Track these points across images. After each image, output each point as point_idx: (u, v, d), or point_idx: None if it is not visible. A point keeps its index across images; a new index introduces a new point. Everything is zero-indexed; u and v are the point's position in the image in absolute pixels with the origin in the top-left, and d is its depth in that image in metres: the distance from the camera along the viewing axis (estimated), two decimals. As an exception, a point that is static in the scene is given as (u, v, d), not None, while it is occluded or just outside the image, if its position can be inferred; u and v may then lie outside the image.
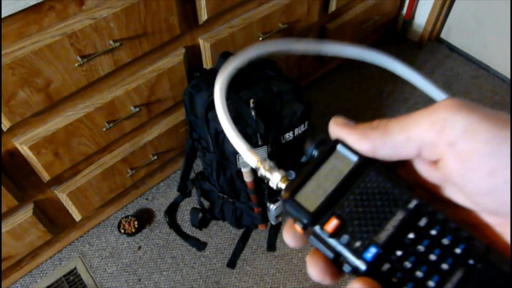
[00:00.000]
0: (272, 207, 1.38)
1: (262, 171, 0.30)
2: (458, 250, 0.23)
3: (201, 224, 1.55)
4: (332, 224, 0.25)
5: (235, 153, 1.15)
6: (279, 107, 1.19)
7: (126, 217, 1.55)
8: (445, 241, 0.24)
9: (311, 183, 0.27)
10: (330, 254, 0.25)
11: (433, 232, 0.24)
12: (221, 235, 1.55)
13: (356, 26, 1.76)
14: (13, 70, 0.92)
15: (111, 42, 1.03)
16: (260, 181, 1.29)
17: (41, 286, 1.43)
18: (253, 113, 1.14)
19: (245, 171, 1.23)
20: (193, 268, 1.48)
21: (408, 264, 0.23)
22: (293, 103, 1.20)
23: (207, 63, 1.34)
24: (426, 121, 0.24)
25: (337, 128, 0.27)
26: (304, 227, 0.26)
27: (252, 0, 1.32)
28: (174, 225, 1.57)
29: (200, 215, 1.53)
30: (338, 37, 1.73)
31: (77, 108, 1.12)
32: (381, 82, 1.97)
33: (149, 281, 1.45)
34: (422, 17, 2.05)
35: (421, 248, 0.24)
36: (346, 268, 0.25)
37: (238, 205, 1.41)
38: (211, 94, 1.19)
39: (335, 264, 0.26)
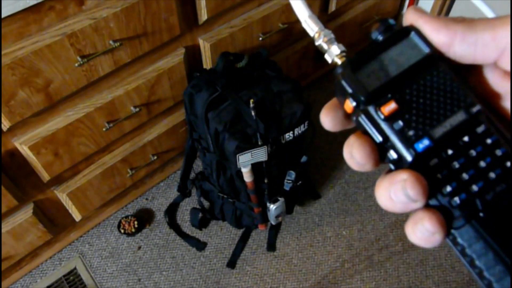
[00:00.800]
0: (272, 207, 1.37)
1: (320, 42, 0.28)
2: (508, 164, 0.23)
3: (201, 224, 1.55)
4: (390, 107, 0.24)
5: (235, 153, 1.14)
6: (279, 107, 1.19)
7: (126, 217, 1.55)
8: (498, 152, 0.23)
9: (373, 63, 0.25)
10: (379, 138, 0.24)
11: (489, 140, 0.23)
12: (221, 235, 1.55)
13: (356, 26, 1.76)
14: (13, 70, 0.92)
15: (111, 42, 1.03)
16: (260, 181, 1.29)
17: (41, 286, 1.43)
18: (253, 113, 1.14)
19: (245, 171, 1.23)
20: (193, 268, 1.48)
21: (456, 165, 0.23)
22: (293, 103, 1.20)
23: (207, 63, 1.34)
24: None
25: (415, 14, 0.25)
26: (358, 105, 0.25)
27: (252, 0, 1.32)
28: (174, 225, 1.57)
29: (200, 215, 1.53)
30: (338, 37, 1.72)
31: (77, 108, 1.12)
32: (381, 82, 1.97)
33: (149, 281, 1.45)
34: (422, 17, 2.04)
35: (473, 152, 0.23)
36: (391, 156, 0.24)
37: (238, 205, 1.41)
38: (211, 94, 1.19)
39: (380, 149, 0.25)
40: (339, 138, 1.80)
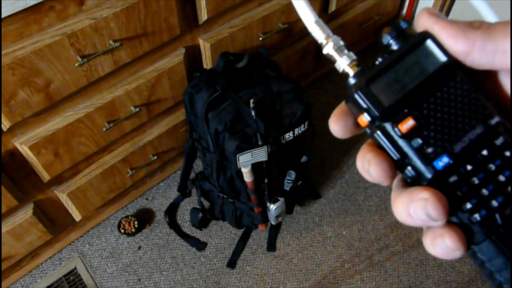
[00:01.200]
0: (272, 207, 1.38)
1: (329, 50, 0.26)
2: None
3: (201, 224, 1.55)
4: (408, 124, 0.23)
5: (235, 153, 1.14)
6: (279, 107, 1.19)
7: (126, 217, 1.55)
8: None
9: (388, 75, 0.24)
10: (396, 155, 0.24)
11: (508, 153, 0.23)
12: (221, 235, 1.55)
13: (356, 26, 1.76)
14: (13, 70, 0.92)
15: (111, 42, 1.03)
16: (260, 181, 1.29)
17: (41, 286, 1.43)
18: (253, 113, 1.14)
19: (245, 171, 1.23)
20: (193, 268, 1.48)
21: (475, 180, 0.23)
22: (293, 103, 1.20)
23: (207, 63, 1.34)
24: None
25: (430, 19, 0.24)
26: (373, 121, 0.24)
27: (252, 0, 1.32)
28: (174, 225, 1.57)
29: (200, 215, 1.53)
30: (338, 37, 1.73)
31: (77, 108, 1.12)
32: (381, 82, 1.97)
33: (149, 281, 1.45)
34: (422, 17, 2.04)
35: (492, 167, 0.23)
36: (409, 172, 0.24)
37: (238, 205, 1.41)
38: (211, 94, 1.19)
39: (397, 165, 0.24)
40: (339, 138, 1.80)
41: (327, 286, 1.44)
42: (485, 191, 0.23)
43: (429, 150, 0.23)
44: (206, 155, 1.29)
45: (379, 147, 0.25)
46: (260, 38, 1.38)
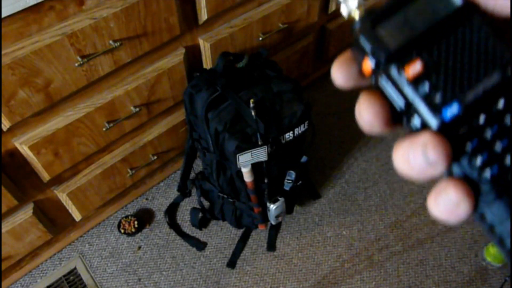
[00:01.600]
0: (272, 207, 1.38)
1: None
2: None
3: (201, 224, 1.55)
4: (416, 67, 0.21)
5: (235, 153, 1.14)
6: (279, 107, 1.19)
7: (126, 217, 1.55)
8: None
9: (397, 17, 0.22)
10: (401, 103, 0.21)
11: None
12: (221, 235, 1.55)
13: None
14: (13, 70, 0.92)
15: (111, 42, 1.03)
16: (260, 181, 1.29)
17: (41, 286, 1.43)
18: (253, 113, 1.14)
19: (245, 171, 1.23)
20: (193, 268, 1.48)
21: (489, 134, 0.20)
22: (293, 103, 1.20)
23: (207, 63, 1.34)
24: None
25: None
26: (378, 64, 0.22)
27: (252, 0, 1.32)
28: (174, 225, 1.57)
29: (200, 215, 1.53)
30: (338, 37, 1.73)
31: (77, 108, 1.12)
32: (381, 82, 1.97)
33: (149, 281, 1.45)
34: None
35: (507, 119, 0.20)
36: (414, 123, 0.21)
37: (238, 205, 1.41)
38: (211, 94, 1.19)
39: (401, 114, 0.22)
40: (339, 138, 1.80)
41: (327, 286, 1.44)
42: (498, 146, 0.20)
43: (438, 96, 0.21)
44: (206, 155, 1.29)
45: (384, 98, 0.23)
46: (260, 38, 1.38)
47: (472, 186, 0.20)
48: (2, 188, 1.08)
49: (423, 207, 1.61)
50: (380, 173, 1.71)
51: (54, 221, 1.36)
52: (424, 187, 1.66)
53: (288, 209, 1.50)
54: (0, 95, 0.93)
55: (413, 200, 1.63)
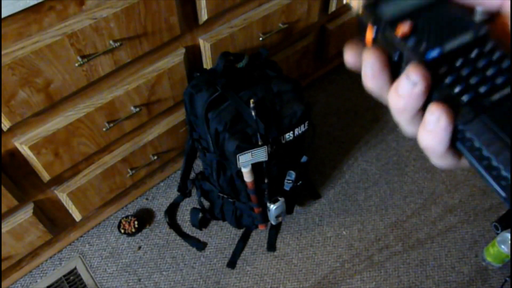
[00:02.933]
0: (272, 207, 1.37)
1: None
2: None
3: (201, 224, 1.55)
4: (404, 26, 0.26)
5: (235, 153, 1.14)
6: (279, 107, 1.19)
7: (126, 217, 1.55)
8: (504, 64, 0.25)
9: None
10: (395, 57, 0.26)
11: (495, 56, 0.25)
12: (221, 235, 1.55)
13: (356, 26, 1.76)
14: (13, 70, 0.92)
15: (111, 42, 1.03)
16: (260, 181, 1.29)
17: (41, 286, 1.43)
18: (253, 113, 1.14)
19: (245, 171, 1.23)
20: (193, 268, 1.48)
21: (464, 71, 0.25)
22: (293, 103, 1.20)
23: (207, 63, 1.34)
24: None
25: None
26: (377, 33, 0.27)
27: (252, 0, 1.32)
28: (174, 225, 1.57)
29: (200, 215, 1.53)
30: (338, 37, 1.73)
31: (77, 108, 1.12)
32: (381, 82, 1.97)
33: (149, 281, 1.45)
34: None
35: (480, 63, 0.25)
36: (404, 66, 0.26)
37: (238, 205, 1.41)
38: (211, 94, 1.19)
39: (396, 64, 0.27)
40: (340, 138, 1.80)
41: (327, 286, 1.44)
42: (473, 80, 0.25)
43: (423, 45, 0.25)
44: (206, 155, 1.29)
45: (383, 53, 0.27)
46: (260, 38, 1.38)
47: (453, 108, 0.25)
48: (2, 188, 1.08)
49: (423, 207, 1.61)
50: (380, 173, 1.71)
51: (54, 221, 1.36)
52: (424, 187, 1.66)
53: (288, 209, 1.50)
54: (0, 95, 0.93)
55: (413, 200, 1.63)
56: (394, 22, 0.26)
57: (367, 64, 0.26)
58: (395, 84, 0.25)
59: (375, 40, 0.27)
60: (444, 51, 0.25)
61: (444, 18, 0.27)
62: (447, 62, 0.25)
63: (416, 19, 0.26)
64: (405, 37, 0.26)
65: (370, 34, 0.27)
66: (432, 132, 0.24)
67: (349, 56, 0.28)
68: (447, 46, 0.25)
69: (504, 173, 0.23)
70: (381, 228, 1.56)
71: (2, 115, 0.97)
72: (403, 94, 0.25)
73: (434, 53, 0.25)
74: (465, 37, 0.26)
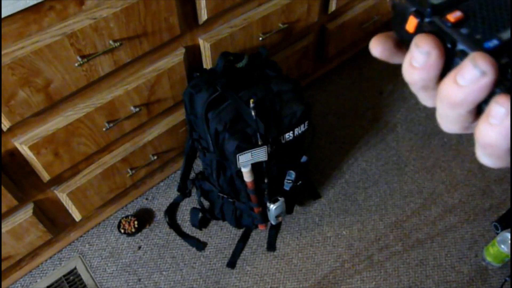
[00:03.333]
0: (272, 207, 1.37)
1: None
2: None
3: (201, 224, 1.55)
4: (456, 14, 0.24)
5: (235, 153, 1.14)
6: (279, 107, 1.19)
7: (126, 217, 1.55)
8: None
9: None
10: (448, 44, 0.24)
11: None
12: (221, 235, 1.55)
13: (356, 26, 1.76)
14: (13, 70, 0.92)
15: (111, 42, 1.03)
16: (260, 181, 1.29)
17: (41, 286, 1.43)
18: (253, 113, 1.14)
19: (245, 171, 1.23)
20: (193, 268, 1.48)
21: None
22: (293, 103, 1.20)
23: (207, 63, 1.34)
24: None
25: None
26: (422, 19, 0.25)
27: (252, 0, 1.32)
28: (174, 225, 1.57)
29: (200, 215, 1.53)
30: (338, 37, 1.73)
31: (77, 108, 1.12)
32: (381, 82, 1.97)
33: (149, 281, 1.45)
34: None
35: None
36: (457, 61, 0.24)
37: (238, 205, 1.41)
38: (211, 94, 1.19)
39: (450, 51, 0.25)
40: (340, 138, 1.80)
41: (327, 286, 1.44)
42: None
43: (478, 36, 0.24)
44: (206, 155, 1.29)
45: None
46: (260, 38, 1.38)
47: None
48: (2, 188, 1.08)
49: (423, 207, 1.61)
50: (380, 173, 1.71)
51: (54, 221, 1.36)
52: (424, 187, 1.66)
53: (288, 209, 1.50)
54: (0, 95, 0.93)
55: (413, 200, 1.63)
56: (443, 7, 0.25)
57: (419, 52, 0.24)
58: (453, 73, 0.23)
59: (419, 27, 0.25)
60: (503, 40, 0.23)
61: (496, 4, 0.25)
62: (506, 50, 0.23)
63: (465, 5, 0.25)
64: (459, 24, 0.24)
65: (413, 20, 0.25)
66: (499, 126, 0.22)
67: (377, 49, 0.27)
68: (504, 35, 0.23)
69: None
70: (381, 228, 1.56)
71: (2, 115, 0.97)
72: (466, 84, 0.22)
73: (493, 42, 0.23)
74: None
